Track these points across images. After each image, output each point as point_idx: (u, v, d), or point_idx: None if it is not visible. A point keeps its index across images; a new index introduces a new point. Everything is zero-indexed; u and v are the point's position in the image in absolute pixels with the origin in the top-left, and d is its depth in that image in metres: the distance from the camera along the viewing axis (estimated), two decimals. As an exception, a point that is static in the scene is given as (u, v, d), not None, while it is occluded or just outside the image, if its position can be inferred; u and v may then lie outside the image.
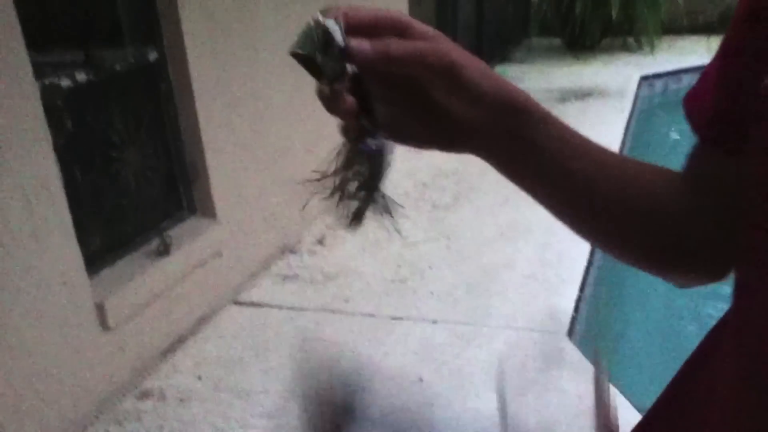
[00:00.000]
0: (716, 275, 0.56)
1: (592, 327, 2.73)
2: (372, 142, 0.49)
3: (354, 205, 0.51)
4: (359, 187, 0.50)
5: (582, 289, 2.74)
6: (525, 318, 2.56)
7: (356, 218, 0.51)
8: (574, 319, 2.53)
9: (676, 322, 3.23)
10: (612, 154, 0.54)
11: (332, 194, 0.51)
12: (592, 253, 3.01)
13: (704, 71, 0.53)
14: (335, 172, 0.50)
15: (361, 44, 0.45)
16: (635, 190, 0.53)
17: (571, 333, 2.44)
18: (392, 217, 0.52)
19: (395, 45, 0.46)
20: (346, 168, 0.50)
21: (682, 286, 0.60)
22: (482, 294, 2.75)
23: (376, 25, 0.47)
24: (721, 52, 0.50)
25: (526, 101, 0.51)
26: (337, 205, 0.51)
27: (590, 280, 2.89)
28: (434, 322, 2.58)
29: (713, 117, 0.51)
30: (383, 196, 0.51)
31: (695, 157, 0.54)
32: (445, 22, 5.60)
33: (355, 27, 0.46)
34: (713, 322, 0.54)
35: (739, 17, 0.48)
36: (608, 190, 0.53)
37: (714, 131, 0.51)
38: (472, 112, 0.49)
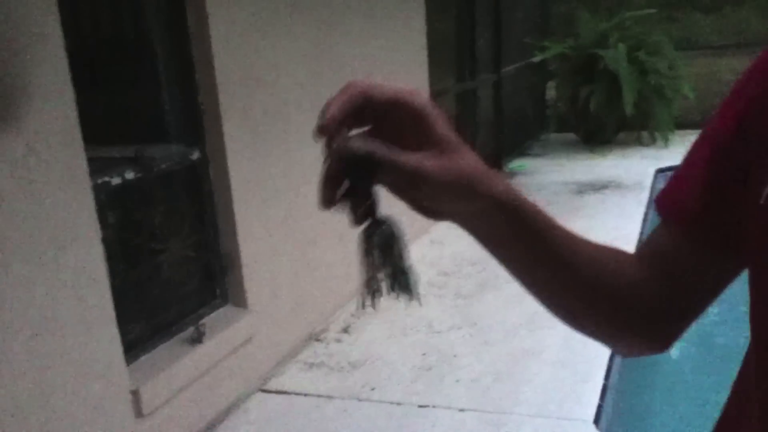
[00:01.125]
0: (660, 347, 0.62)
1: (619, 415, 2.73)
2: (381, 229, 0.52)
3: (377, 284, 0.53)
4: (381, 267, 0.53)
5: (608, 376, 2.75)
6: (553, 405, 2.57)
7: (376, 294, 0.53)
8: (600, 407, 2.54)
9: (702, 409, 3.19)
10: (573, 232, 0.59)
11: (363, 282, 0.53)
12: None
13: (682, 168, 0.60)
14: (362, 263, 0.53)
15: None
16: (599, 262, 0.59)
17: (597, 421, 2.45)
18: (413, 293, 0.54)
19: (423, 169, 0.49)
20: (367, 254, 0.52)
21: (626, 355, 0.66)
22: (509, 381, 2.78)
23: (395, 105, 0.50)
24: (705, 151, 0.58)
25: (509, 196, 0.54)
26: (365, 290, 0.53)
27: (616, 367, 2.91)
28: (462, 410, 2.60)
29: (697, 216, 0.57)
30: (404, 274, 0.53)
31: (657, 238, 0.61)
32: (465, 117, 5.85)
33: (376, 105, 0.49)
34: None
35: (724, 127, 0.56)
36: (572, 261, 0.58)
37: (695, 228, 0.57)
38: (470, 207, 0.53)
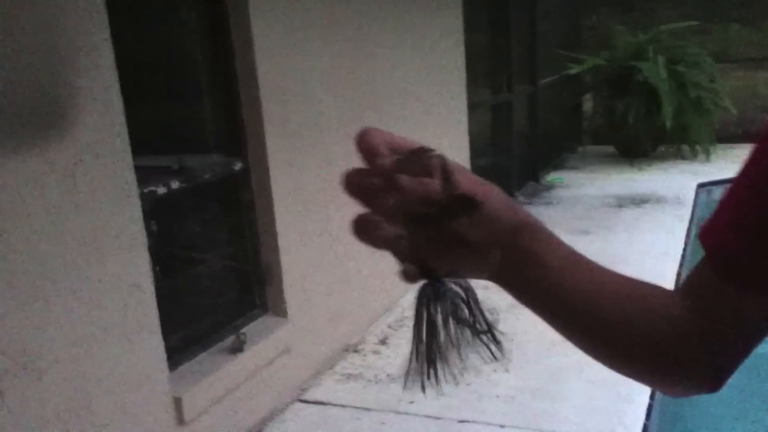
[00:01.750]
0: (709, 386, 0.59)
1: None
2: (442, 291, 0.46)
3: (432, 357, 0.46)
4: (440, 338, 0.46)
5: (653, 396, 2.69)
6: (593, 424, 2.53)
7: (430, 368, 0.46)
8: (646, 427, 2.48)
9: (750, 427, 3.10)
10: (607, 270, 0.57)
11: (414, 354, 0.46)
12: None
13: (724, 201, 0.57)
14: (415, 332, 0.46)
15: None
16: (632, 306, 0.57)
17: (642, 441, 2.40)
18: (496, 354, 0.48)
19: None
20: (420, 322, 0.46)
21: (673, 395, 0.64)
22: (548, 398, 2.73)
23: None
24: (750, 190, 0.54)
25: (534, 222, 0.54)
26: (416, 364, 0.46)
27: (659, 386, 2.84)
28: (501, 426, 2.56)
29: (735, 255, 0.54)
30: (484, 334, 0.47)
31: (699, 278, 0.58)
32: (499, 130, 5.83)
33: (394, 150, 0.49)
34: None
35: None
36: (607, 306, 0.56)
37: (733, 268, 0.55)
38: (489, 238, 0.52)
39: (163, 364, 2.27)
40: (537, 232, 0.54)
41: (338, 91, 3.25)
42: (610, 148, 7.45)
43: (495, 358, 0.48)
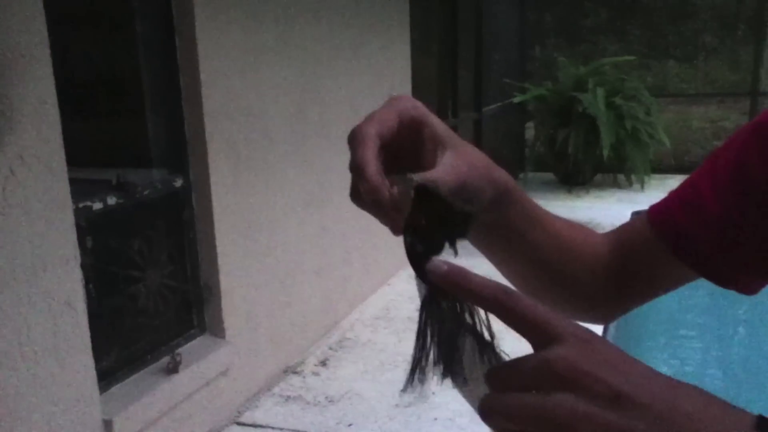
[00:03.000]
0: (599, 321, 0.69)
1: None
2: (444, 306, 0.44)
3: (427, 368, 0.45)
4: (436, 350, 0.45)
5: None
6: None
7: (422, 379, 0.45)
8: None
9: None
10: (556, 220, 0.64)
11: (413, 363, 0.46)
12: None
13: (683, 182, 0.65)
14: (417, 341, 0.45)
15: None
16: (572, 254, 0.64)
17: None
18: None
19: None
20: (423, 334, 0.45)
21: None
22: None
23: (400, 128, 0.48)
24: (706, 171, 0.62)
25: (507, 183, 0.55)
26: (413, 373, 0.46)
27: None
28: (438, 448, 2.57)
29: (674, 222, 0.62)
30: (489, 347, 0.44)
31: (631, 228, 0.66)
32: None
33: (387, 138, 0.47)
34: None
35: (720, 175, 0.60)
36: (550, 256, 0.62)
37: (668, 230, 0.62)
38: (471, 207, 0.52)
39: (94, 385, 2.20)
40: (510, 192, 0.56)
41: (286, 112, 3.25)
42: (551, 176, 7.66)
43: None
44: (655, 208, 0.65)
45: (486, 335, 0.44)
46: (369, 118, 0.48)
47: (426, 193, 0.45)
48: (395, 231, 0.47)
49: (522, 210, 0.58)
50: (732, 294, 0.64)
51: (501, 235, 0.60)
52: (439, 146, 0.50)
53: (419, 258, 0.43)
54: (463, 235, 0.48)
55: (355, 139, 0.46)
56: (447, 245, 0.46)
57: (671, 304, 4.19)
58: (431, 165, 0.49)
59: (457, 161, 0.49)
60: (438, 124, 0.51)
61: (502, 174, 0.54)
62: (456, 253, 0.49)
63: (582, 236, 0.66)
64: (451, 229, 0.46)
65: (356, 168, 0.45)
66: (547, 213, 0.62)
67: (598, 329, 0.64)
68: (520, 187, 0.58)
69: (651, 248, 0.63)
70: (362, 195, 0.46)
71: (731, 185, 0.59)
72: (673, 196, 0.64)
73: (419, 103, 0.50)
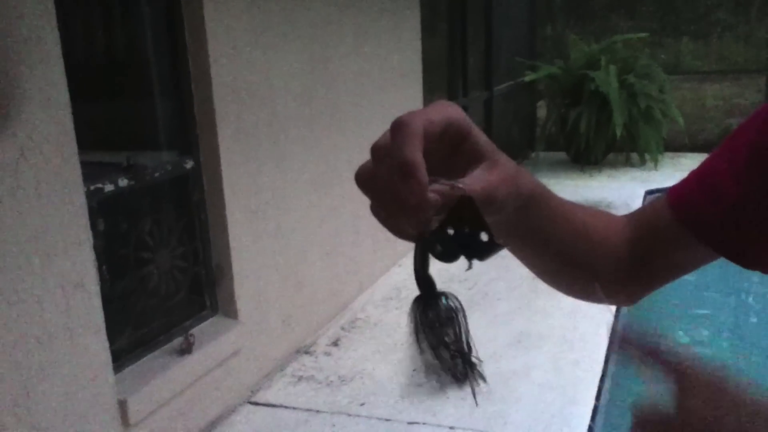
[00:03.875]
0: (622, 302, 0.71)
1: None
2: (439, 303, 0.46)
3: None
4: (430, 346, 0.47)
5: (598, 397, 2.75)
6: (541, 426, 2.57)
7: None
8: (591, 429, 2.54)
9: None
10: (578, 212, 0.63)
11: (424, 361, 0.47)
12: (606, 362, 3.04)
13: (701, 164, 0.64)
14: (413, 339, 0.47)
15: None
16: (595, 243, 0.64)
17: (587, 441, 2.45)
18: (472, 380, 0.48)
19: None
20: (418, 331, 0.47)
21: (588, 300, 0.71)
22: (498, 401, 2.77)
23: (445, 132, 0.47)
24: (723, 154, 0.61)
25: (532, 191, 0.55)
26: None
27: (606, 387, 2.91)
28: (451, 428, 2.58)
29: (694, 204, 0.61)
30: (463, 357, 0.47)
31: (652, 209, 0.66)
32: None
33: (431, 139, 0.45)
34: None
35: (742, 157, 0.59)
36: (574, 249, 0.63)
37: (688, 212, 0.62)
38: (494, 217, 0.51)
39: (108, 365, 2.22)
40: (536, 199, 0.56)
41: (295, 92, 3.23)
42: (563, 155, 7.60)
43: (464, 382, 0.48)
44: (674, 190, 0.64)
45: (462, 346, 0.46)
46: (418, 114, 0.45)
47: (468, 205, 0.44)
48: (414, 233, 0.46)
49: (545, 211, 0.58)
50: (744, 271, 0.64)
51: (524, 236, 0.60)
52: (474, 160, 0.49)
53: (428, 258, 0.45)
54: (481, 259, 0.46)
55: (401, 132, 0.43)
56: (464, 258, 0.45)
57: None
58: (460, 175, 0.48)
59: (489, 176, 0.48)
60: (480, 137, 0.49)
61: (526, 181, 0.54)
62: (470, 267, 0.48)
63: (604, 223, 0.66)
64: (473, 249, 0.45)
65: (405, 165, 0.42)
66: (569, 206, 0.62)
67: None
68: (544, 187, 0.57)
69: (671, 230, 0.63)
70: (403, 194, 0.43)
71: (749, 166, 0.59)
72: (692, 177, 0.64)
73: (465, 114, 0.49)
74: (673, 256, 0.65)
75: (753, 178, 0.58)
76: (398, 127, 0.43)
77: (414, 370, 3.06)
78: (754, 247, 0.60)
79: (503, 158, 0.51)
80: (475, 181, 0.47)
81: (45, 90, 1.94)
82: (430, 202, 0.43)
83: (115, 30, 2.67)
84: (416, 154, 0.42)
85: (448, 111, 0.47)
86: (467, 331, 0.47)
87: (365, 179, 0.46)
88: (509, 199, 0.50)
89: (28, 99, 1.89)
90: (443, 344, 0.46)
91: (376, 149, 0.45)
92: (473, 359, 0.47)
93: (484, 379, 0.48)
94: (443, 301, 0.46)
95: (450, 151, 0.48)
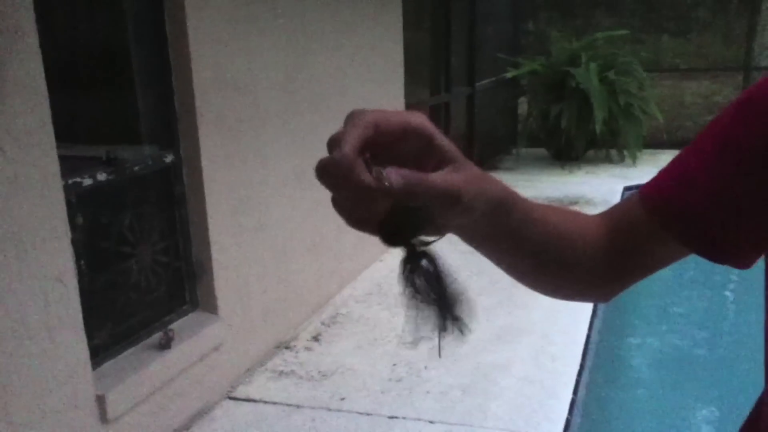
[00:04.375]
0: (598, 300, 0.73)
1: (587, 430, 2.76)
2: (424, 262, 0.49)
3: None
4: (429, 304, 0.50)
5: (575, 391, 2.78)
6: (521, 419, 2.59)
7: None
8: (568, 422, 2.56)
9: (670, 427, 3.25)
10: (551, 214, 0.64)
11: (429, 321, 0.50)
12: (584, 357, 3.07)
13: (673, 159, 0.65)
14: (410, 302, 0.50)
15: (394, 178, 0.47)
16: (570, 243, 0.65)
17: (565, 435, 2.47)
18: (462, 324, 0.50)
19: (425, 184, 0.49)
20: (413, 293, 0.50)
21: (565, 299, 0.73)
22: (478, 395, 2.79)
23: (404, 132, 0.49)
24: (696, 149, 0.62)
25: (502, 196, 0.57)
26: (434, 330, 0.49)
27: (584, 383, 2.94)
28: (431, 422, 2.60)
29: (666, 197, 0.62)
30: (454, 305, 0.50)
31: (625, 206, 0.66)
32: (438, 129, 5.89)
33: (386, 134, 0.48)
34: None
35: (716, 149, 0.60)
36: (548, 251, 0.64)
37: (659, 206, 0.63)
38: (463, 219, 0.54)
39: (87, 361, 2.20)
40: (507, 204, 0.57)
41: (277, 86, 3.22)
42: (543, 151, 7.65)
43: (451, 332, 0.50)
44: (646, 187, 0.65)
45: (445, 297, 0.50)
46: (375, 110, 0.48)
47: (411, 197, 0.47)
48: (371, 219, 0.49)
49: (517, 214, 0.59)
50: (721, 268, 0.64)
51: (498, 241, 0.61)
52: (443, 164, 0.51)
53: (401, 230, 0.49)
54: (420, 233, 0.50)
55: (349, 120, 0.47)
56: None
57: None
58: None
59: (453, 176, 0.51)
60: (445, 142, 0.52)
61: (494, 186, 0.56)
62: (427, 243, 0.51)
63: (578, 223, 0.67)
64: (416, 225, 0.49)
65: (335, 140, 0.46)
66: (541, 209, 0.63)
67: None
68: (515, 192, 0.59)
69: (644, 227, 0.64)
70: (329, 168, 0.45)
71: (719, 160, 0.60)
72: (664, 173, 0.65)
73: (428, 120, 0.51)
74: (647, 252, 0.65)
75: (723, 171, 0.59)
76: (349, 116, 0.47)
77: (394, 365, 3.07)
78: (724, 241, 0.61)
79: (469, 164, 0.53)
80: (437, 176, 0.50)
81: (23, 82, 1.91)
82: (352, 172, 0.45)
83: (95, 22, 2.64)
84: (349, 133, 0.45)
85: (409, 115, 0.50)
86: (448, 285, 0.49)
87: (322, 172, 0.47)
88: (476, 201, 0.52)
89: (5, 92, 1.86)
90: (429, 299, 0.49)
91: (330, 141, 0.47)
92: (455, 312, 0.50)
93: (467, 328, 0.51)
94: (424, 262, 0.49)
95: (417, 153, 0.50)
